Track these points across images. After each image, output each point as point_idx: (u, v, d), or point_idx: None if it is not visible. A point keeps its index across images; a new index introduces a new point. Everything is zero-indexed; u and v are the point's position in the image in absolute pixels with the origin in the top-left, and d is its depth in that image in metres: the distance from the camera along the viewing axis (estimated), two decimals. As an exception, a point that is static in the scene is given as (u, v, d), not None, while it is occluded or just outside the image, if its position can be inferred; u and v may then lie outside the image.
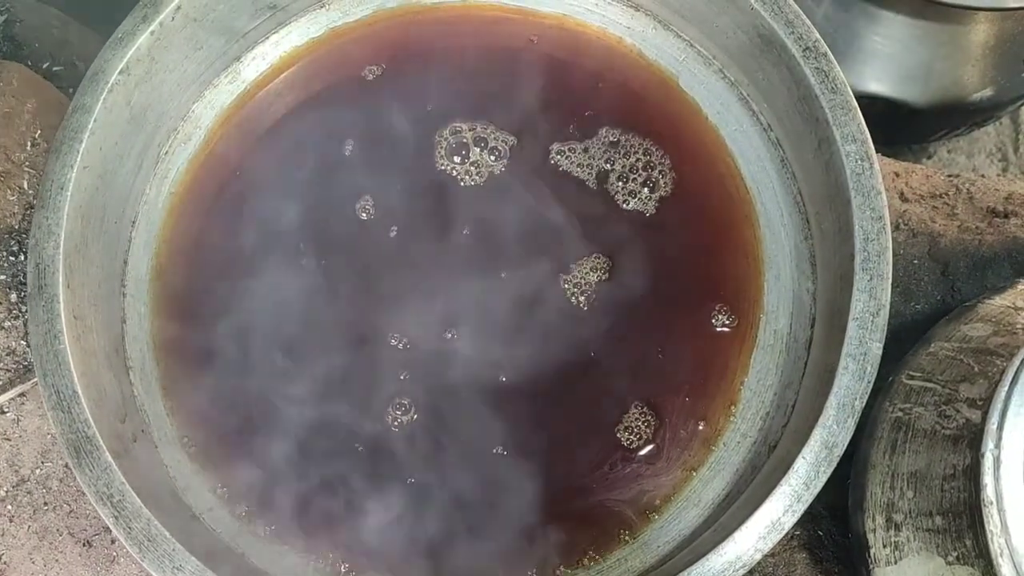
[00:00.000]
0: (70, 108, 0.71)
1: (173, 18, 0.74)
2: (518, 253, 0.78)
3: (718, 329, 0.76)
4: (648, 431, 0.74)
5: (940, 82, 0.97)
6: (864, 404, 0.65)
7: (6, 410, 0.81)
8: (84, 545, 0.79)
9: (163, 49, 0.75)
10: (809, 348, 0.74)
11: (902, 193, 0.88)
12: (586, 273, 0.78)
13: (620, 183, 0.79)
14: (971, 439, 0.62)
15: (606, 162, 0.80)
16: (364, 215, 0.79)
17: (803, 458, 0.64)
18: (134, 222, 0.78)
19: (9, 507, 0.79)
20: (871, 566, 0.68)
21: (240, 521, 0.73)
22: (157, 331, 0.77)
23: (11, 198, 0.85)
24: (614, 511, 0.73)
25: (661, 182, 0.80)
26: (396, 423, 0.75)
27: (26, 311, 0.82)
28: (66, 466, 0.80)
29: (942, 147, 1.20)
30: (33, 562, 0.78)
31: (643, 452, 0.74)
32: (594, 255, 0.78)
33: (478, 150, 0.80)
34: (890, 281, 0.67)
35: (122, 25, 0.73)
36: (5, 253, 0.84)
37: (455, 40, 0.83)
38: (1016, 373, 0.59)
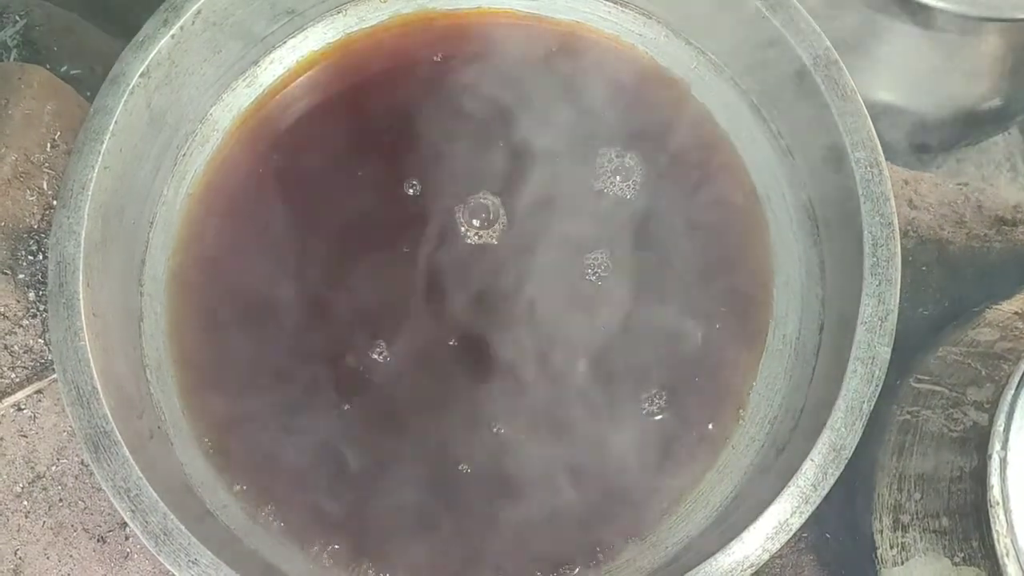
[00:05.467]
0: (92, 110, 0.72)
1: (193, 22, 0.75)
2: (539, 262, 0.79)
3: (727, 333, 0.77)
4: (657, 433, 0.75)
5: (949, 92, 0.97)
6: (872, 407, 0.65)
7: (23, 407, 0.82)
8: (98, 541, 0.80)
9: (183, 53, 0.76)
10: (818, 352, 0.74)
11: (911, 200, 0.88)
12: (595, 279, 0.78)
13: (630, 188, 0.80)
14: (978, 441, 0.63)
15: (617, 168, 0.81)
16: (377, 219, 0.80)
17: (811, 460, 0.64)
18: (152, 223, 0.79)
19: (25, 503, 0.80)
20: (878, 567, 0.69)
21: (253, 518, 0.74)
22: (173, 330, 0.78)
23: (31, 198, 0.86)
24: (623, 512, 0.74)
25: (671, 189, 0.80)
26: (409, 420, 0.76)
27: (44, 310, 0.83)
28: (81, 463, 0.81)
29: (951, 156, 1.21)
30: (48, 558, 0.79)
31: (651, 454, 0.75)
32: (602, 256, 0.79)
33: (495, 159, 0.81)
34: (899, 286, 0.67)
35: (143, 29, 0.74)
36: (24, 252, 0.85)
37: (470, 46, 0.84)
38: (1022, 377, 0.60)
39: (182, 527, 0.64)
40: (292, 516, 0.74)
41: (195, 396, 0.76)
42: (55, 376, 0.81)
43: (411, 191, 0.80)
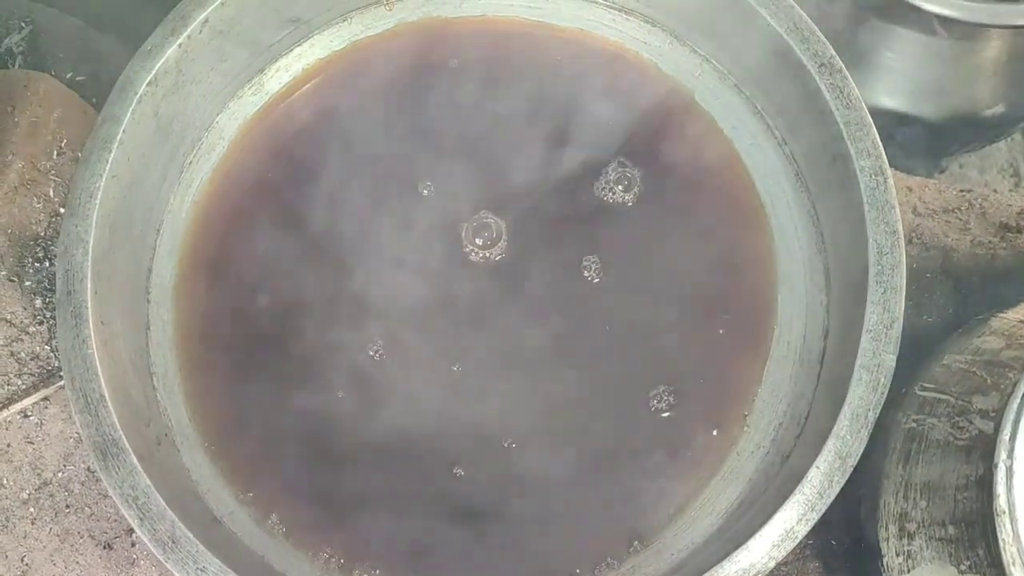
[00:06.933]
0: (99, 118, 0.73)
1: (200, 31, 0.75)
2: (541, 272, 0.79)
3: (731, 340, 0.77)
4: (661, 438, 0.75)
5: (952, 98, 0.97)
6: (877, 415, 0.65)
7: (29, 414, 0.82)
8: (105, 547, 0.80)
9: (190, 61, 0.76)
10: (822, 360, 0.74)
11: (915, 207, 0.88)
12: (597, 287, 0.78)
13: (633, 196, 0.80)
14: (984, 450, 0.63)
15: (620, 176, 0.81)
16: (381, 228, 0.80)
17: (817, 468, 0.64)
18: (159, 230, 0.79)
19: (31, 509, 0.80)
20: (884, 575, 0.69)
21: (260, 525, 0.74)
22: (180, 338, 0.78)
23: (37, 205, 0.87)
24: (627, 519, 0.74)
25: (676, 196, 0.81)
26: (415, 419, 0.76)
27: (50, 316, 0.84)
28: (88, 469, 0.81)
29: (954, 162, 1.21)
30: (54, 564, 0.79)
31: (655, 460, 0.75)
32: (605, 264, 0.79)
33: (500, 167, 0.81)
34: (904, 294, 0.68)
35: (151, 37, 0.74)
36: (31, 260, 0.85)
37: (475, 54, 0.84)
38: (1028, 386, 0.60)
39: (190, 534, 0.64)
40: (299, 523, 0.74)
41: (202, 403, 0.77)
42: (62, 383, 0.81)
43: (415, 200, 0.81)
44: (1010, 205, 0.88)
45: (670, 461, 0.75)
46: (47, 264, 0.85)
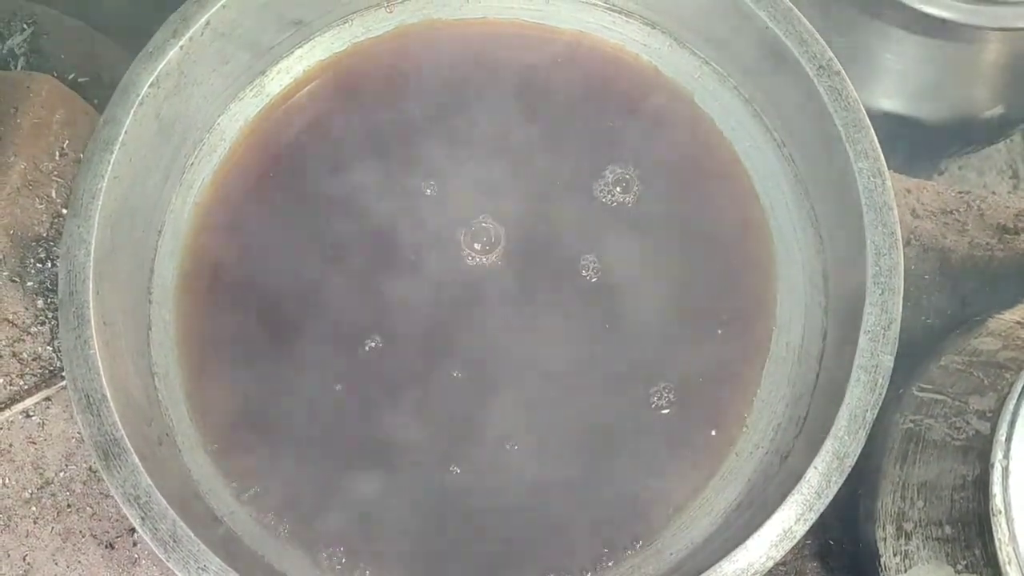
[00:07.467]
0: (101, 120, 0.73)
1: (202, 33, 0.75)
2: (540, 273, 0.80)
3: (730, 341, 0.77)
4: (661, 438, 0.75)
5: (951, 100, 0.98)
6: (875, 415, 0.66)
7: (31, 414, 0.82)
8: (106, 547, 0.80)
9: (192, 63, 0.76)
10: (821, 360, 0.74)
11: (913, 209, 0.89)
12: (596, 288, 0.79)
13: (632, 197, 0.81)
14: (980, 450, 0.63)
15: (620, 178, 0.81)
16: (382, 229, 0.81)
17: (815, 468, 0.65)
18: (160, 231, 0.80)
19: (33, 509, 0.81)
20: (881, 574, 0.69)
21: (260, 524, 0.74)
22: (181, 338, 0.78)
23: (39, 207, 0.87)
24: (627, 519, 0.74)
25: (675, 197, 0.81)
26: (414, 420, 0.76)
27: (52, 317, 0.84)
28: (89, 469, 0.82)
29: (953, 164, 1.21)
30: (56, 563, 0.80)
31: (655, 461, 0.75)
32: (604, 266, 0.79)
33: (500, 168, 0.81)
34: (901, 295, 0.68)
35: (153, 39, 0.75)
36: (33, 260, 0.85)
37: (476, 56, 0.84)
38: (1024, 386, 0.60)
39: (191, 533, 0.65)
40: (299, 523, 0.74)
41: (203, 403, 0.77)
42: (63, 383, 0.81)
43: (416, 202, 0.81)
44: (1008, 207, 0.89)
45: (669, 461, 0.75)
46: (49, 265, 0.85)
